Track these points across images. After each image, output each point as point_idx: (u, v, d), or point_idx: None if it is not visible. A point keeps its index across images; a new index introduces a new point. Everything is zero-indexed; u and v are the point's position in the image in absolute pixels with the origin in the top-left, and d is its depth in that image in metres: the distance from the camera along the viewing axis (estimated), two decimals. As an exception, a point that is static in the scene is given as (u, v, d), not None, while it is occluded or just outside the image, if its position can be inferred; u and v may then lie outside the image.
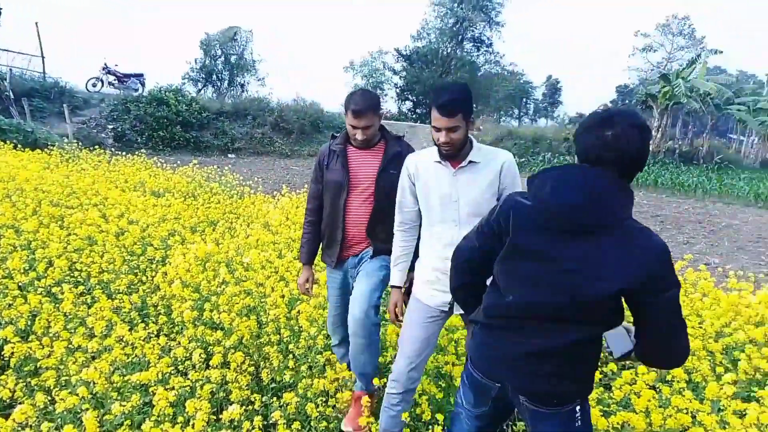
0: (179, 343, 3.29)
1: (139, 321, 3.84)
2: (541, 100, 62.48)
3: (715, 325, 3.85)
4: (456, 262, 2.01)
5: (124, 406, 2.40)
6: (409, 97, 42.33)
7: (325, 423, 2.83)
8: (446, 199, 2.52)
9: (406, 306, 2.81)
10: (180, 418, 2.50)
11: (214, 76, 31.47)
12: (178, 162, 12.15)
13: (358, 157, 2.99)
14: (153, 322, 3.75)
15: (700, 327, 3.85)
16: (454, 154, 2.48)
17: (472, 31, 42.84)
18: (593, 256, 1.58)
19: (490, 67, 45.69)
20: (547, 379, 1.74)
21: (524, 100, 56.99)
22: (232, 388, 2.95)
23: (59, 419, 2.55)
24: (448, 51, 42.37)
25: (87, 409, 2.47)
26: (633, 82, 55.24)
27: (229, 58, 31.67)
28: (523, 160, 25.81)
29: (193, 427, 2.31)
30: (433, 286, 2.64)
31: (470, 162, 2.50)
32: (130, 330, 3.33)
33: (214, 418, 2.70)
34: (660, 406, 2.78)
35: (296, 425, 2.53)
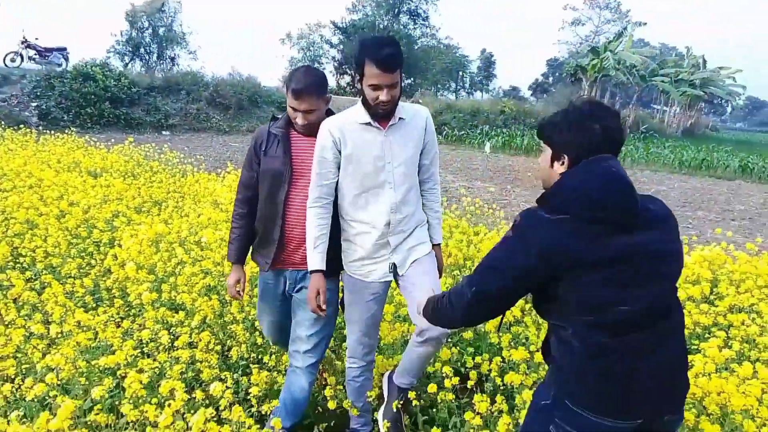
0: (141, 325, 3.22)
1: (94, 305, 3.72)
2: (477, 73, 63.25)
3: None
4: (468, 304, 1.72)
5: (102, 389, 2.34)
6: (348, 71, 41.94)
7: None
8: (380, 162, 2.38)
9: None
10: (154, 400, 2.46)
11: (142, 50, 30.11)
12: (113, 140, 11.61)
13: (303, 143, 2.57)
14: (109, 306, 3.64)
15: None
16: (390, 112, 2.35)
17: (408, 4, 42.78)
18: (658, 233, 1.60)
19: (426, 40, 45.85)
20: (686, 378, 1.68)
21: (460, 73, 57.54)
22: (202, 368, 2.93)
23: (23, 408, 2.47)
24: (385, 24, 42.15)
25: (55, 396, 2.40)
26: (563, 55, 56.74)
27: (157, 30, 30.34)
28: (462, 133, 26.19)
29: (170, 407, 2.29)
30: (369, 261, 2.52)
31: (400, 119, 2.40)
32: (91, 314, 3.23)
33: (187, 397, 2.68)
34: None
35: (275, 402, 2.55)
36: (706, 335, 3.56)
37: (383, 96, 2.25)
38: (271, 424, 2.32)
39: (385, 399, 2.73)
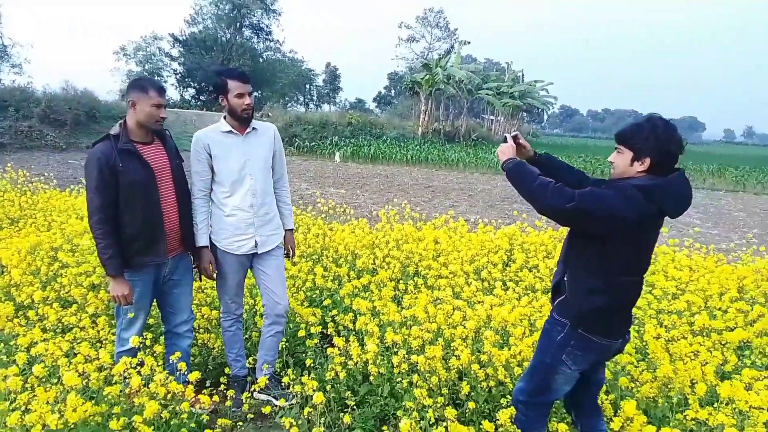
0: (45, 315, 3.67)
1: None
2: (323, 86, 64.86)
3: (468, 255, 5.36)
4: (571, 207, 2.16)
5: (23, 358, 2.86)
6: (192, 83, 40.93)
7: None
8: (241, 159, 3.22)
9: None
10: (64, 361, 3.00)
11: (-46, 63, 27.05)
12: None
13: (149, 152, 3.04)
14: (-1, 310, 3.97)
15: (459, 258, 5.32)
16: (251, 117, 3.22)
17: (250, 18, 42.90)
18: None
19: (270, 54, 46.25)
20: None
21: (308, 86, 58.66)
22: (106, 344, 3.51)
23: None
24: (228, 37, 41.90)
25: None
26: (402, 69, 60.13)
27: (-28, 42, 27.47)
28: (313, 144, 27.16)
29: (96, 361, 2.89)
30: (239, 238, 3.30)
31: (254, 128, 3.30)
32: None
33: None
34: (435, 305, 4.04)
35: (178, 353, 3.22)
36: (501, 287, 4.82)
37: (247, 100, 3.15)
38: (178, 366, 3.01)
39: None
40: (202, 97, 39.53)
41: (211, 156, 3.22)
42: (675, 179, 2.19)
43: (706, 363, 3.23)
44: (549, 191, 2.21)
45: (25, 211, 7.01)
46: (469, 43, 45.02)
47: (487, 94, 38.53)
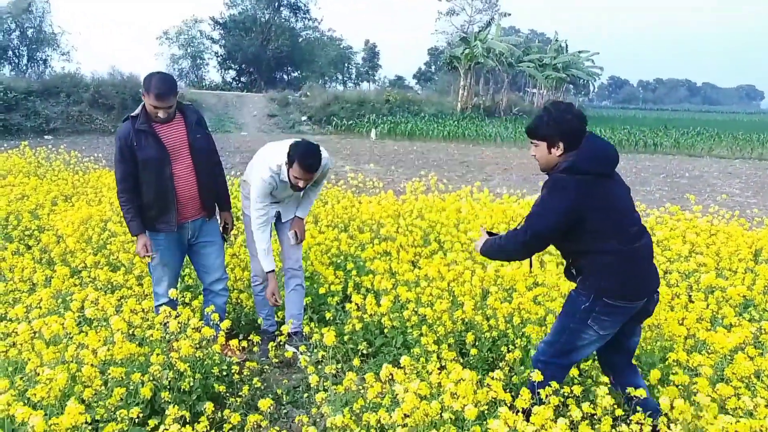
0: (97, 277, 4.13)
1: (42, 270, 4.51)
2: (362, 64, 64.76)
3: (489, 222, 5.58)
4: (525, 242, 2.49)
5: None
6: (232, 66, 41.69)
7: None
8: (292, 198, 3.81)
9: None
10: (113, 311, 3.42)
11: (10, 53, 28.46)
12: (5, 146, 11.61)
13: (165, 130, 3.35)
14: (52, 271, 4.43)
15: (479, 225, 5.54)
16: (302, 188, 3.55)
17: (288, -3, 43.17)
18: (619, 177, 2.59)
19: (309, 33, 46.49)
20: (656, 270, 2.63)
21: (346, 64, 58.76)
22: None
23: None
24: (266, 18, 42.35)
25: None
26: (441, 44, 59.23)
27: (26, 31, 28.78)
28: (350, 122, 27.48)
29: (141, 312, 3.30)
30: None
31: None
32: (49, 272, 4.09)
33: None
34: (449, 268, 4.28)
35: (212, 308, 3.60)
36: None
37: (301, 184, 3.47)
38: (214, 319, 3.38)
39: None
40: (242, 79, 40.27)
41: (272, 194, 3.67)
42: (585, 145, 2.41)
43: (702, 317, 3.40)
44: (508, 244, 2.55)
45: (77, 188, 7.56)
46: (509, 15, 44.19)
47: (528, 67, 37.82)
